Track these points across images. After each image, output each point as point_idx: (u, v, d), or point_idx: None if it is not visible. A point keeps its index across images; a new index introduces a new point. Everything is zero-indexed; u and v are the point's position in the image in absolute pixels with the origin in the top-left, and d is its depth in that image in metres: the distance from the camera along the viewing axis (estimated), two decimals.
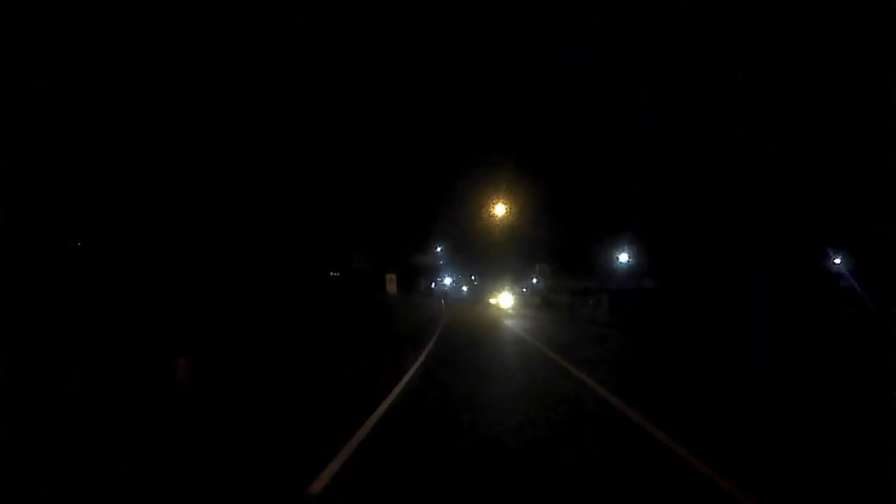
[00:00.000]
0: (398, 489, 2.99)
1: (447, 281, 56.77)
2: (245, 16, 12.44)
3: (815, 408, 5.09)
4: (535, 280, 37.85)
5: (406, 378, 6.35)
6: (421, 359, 8.15)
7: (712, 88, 13.29)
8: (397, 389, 5.65)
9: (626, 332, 13.34)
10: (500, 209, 28.49)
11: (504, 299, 29.85)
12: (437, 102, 33.04)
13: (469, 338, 12.13)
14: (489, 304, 34.76)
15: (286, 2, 13.67)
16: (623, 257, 23.01)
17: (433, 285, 51.44)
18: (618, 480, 3.17)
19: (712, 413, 4.88)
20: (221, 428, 4.12)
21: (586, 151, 22.21)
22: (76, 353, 6.10)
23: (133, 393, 5.20)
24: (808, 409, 5.02)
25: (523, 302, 32.45)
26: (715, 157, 13.17)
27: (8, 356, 5.50)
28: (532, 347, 10.03)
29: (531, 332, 13.66)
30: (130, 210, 10.61)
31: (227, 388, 5.64)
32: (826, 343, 8.35)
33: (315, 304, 14.21)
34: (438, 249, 45.31)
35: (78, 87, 9.19)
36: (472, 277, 60.21)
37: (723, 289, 12.86)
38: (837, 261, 11.60)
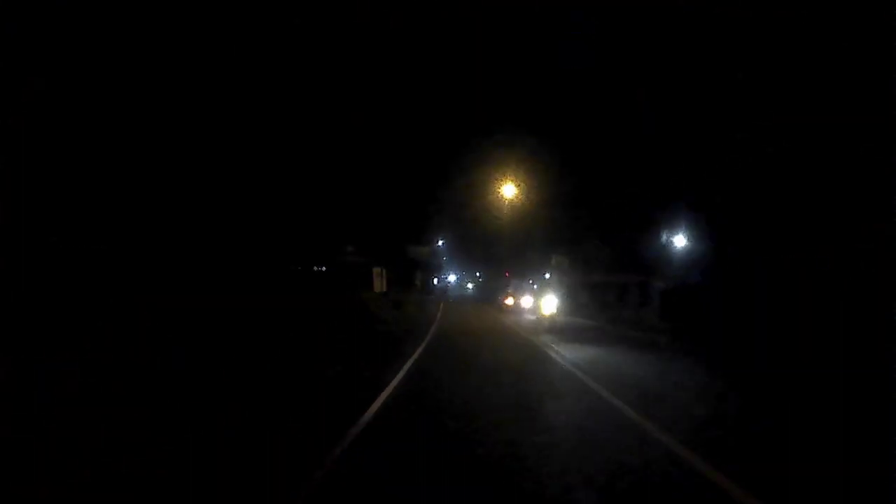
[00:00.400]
0: None
1: (451, 278, 55.09)
2: (244, 14, 12.45)
3: None
4: (547, 275, 30.19)
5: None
6: None
7: (712, 88, 13.28)
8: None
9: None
10: (509, 190, 25.69)
11: (546, 303, 19.63)
12: (437, 97, 33.01)
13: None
14: (504, 306, 25.09)
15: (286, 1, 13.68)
16: (679, 241, 17.31)
17: (436, 282, 47.31)
18: None
19: None
20: (221, 428, 4.13)
21: (586, 150, 22.21)
22: (76, 353, 6.11)
23: (133, 393, 5.21)
24: None
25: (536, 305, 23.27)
26: (715, 157, 13.15)
27: (8, 356, 5.50)
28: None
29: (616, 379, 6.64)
30: (128, 209, 10.61)
31: (226, 388, 5.66)
32: None
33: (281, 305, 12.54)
34: (440, 243, 43.53)
35: (78, 87, 9.19)
36: (478, 274, 56.42)
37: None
38: None
